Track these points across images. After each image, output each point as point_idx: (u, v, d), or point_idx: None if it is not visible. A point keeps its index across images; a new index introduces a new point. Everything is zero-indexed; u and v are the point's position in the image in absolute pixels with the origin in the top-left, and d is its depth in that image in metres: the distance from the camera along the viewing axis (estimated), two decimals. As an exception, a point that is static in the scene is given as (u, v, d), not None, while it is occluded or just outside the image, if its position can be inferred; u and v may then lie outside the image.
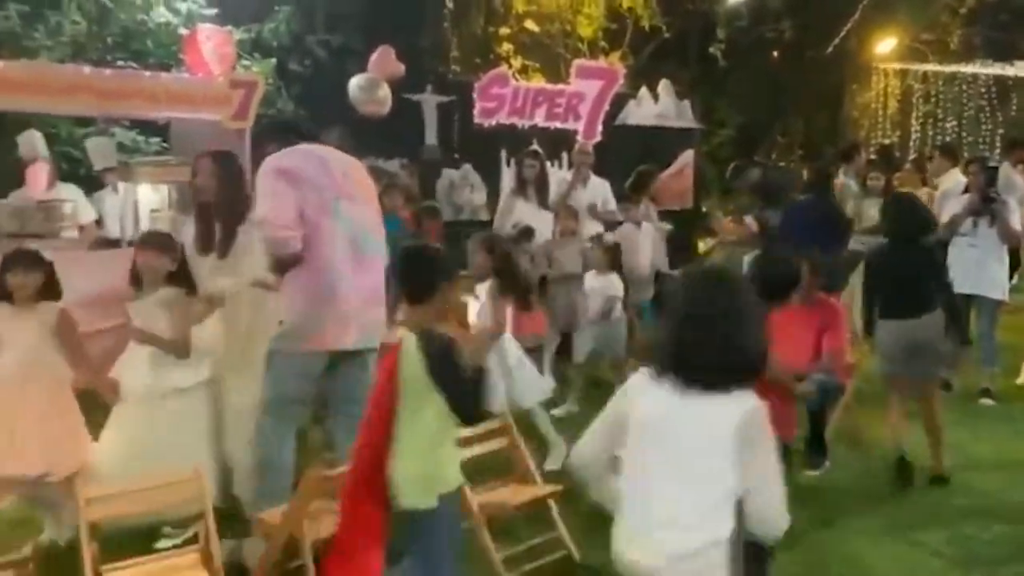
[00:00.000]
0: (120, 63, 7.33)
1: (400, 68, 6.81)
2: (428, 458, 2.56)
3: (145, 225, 6.28)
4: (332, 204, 3.49)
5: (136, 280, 3.78)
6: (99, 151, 6.77)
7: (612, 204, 6.93)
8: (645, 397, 2.24)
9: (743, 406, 2.14)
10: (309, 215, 3.44)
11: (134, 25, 7.71)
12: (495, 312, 4.35)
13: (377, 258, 3.68)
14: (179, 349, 3.67)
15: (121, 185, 6.35)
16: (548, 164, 7.04)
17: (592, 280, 5.86)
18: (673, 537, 2.12)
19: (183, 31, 7.40)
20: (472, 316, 4.30)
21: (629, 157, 7.90)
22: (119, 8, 7.62)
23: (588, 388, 5.74)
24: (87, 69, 6.14)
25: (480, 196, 8.30)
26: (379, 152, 7.98)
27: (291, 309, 3.53)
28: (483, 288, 4.46)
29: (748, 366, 2.19)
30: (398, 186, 6.16)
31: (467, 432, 3.59)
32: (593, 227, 6.63)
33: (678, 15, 12.43)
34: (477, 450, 3.58)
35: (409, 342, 2.51)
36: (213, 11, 7.94)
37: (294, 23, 8.38)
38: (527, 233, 6.18)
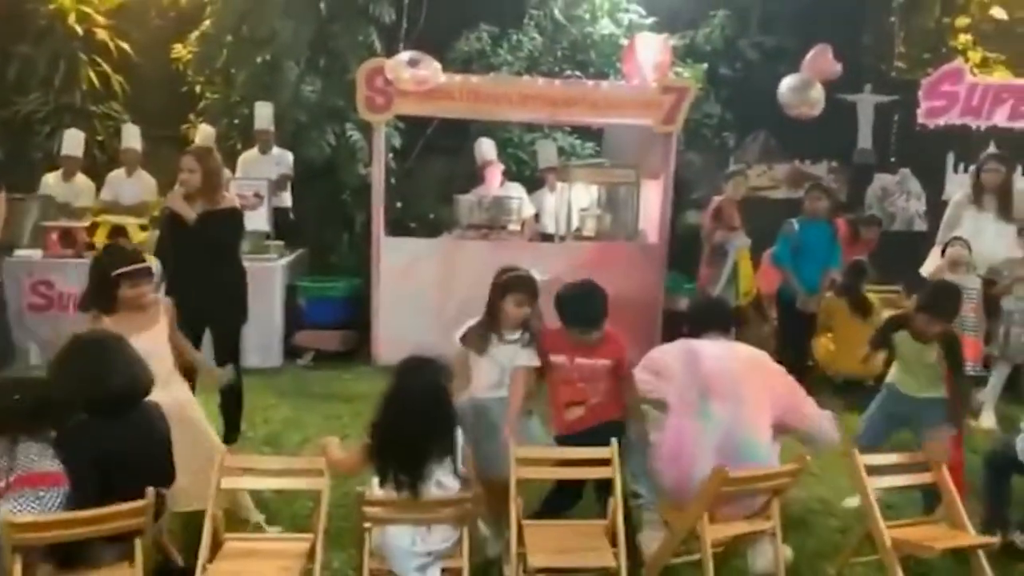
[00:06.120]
0: (567, 74, 8.05)
1: (836, 67, 6.43)
2: None
3: (576, 222, 6.87)
4: None
5: None
6: (544, 153, 7.57)
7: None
8: None
9: None
10: None
11: (581, 38, 8.40)
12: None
13: None
14: None
15: (558, 185, 6.99)
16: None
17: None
18: None
19: (623, 41, 7.87)
20: None
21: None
22: (571, 23, 8.37)
23: None
24: (540, 80, 6.86)
25: (918, 204, 7.60)
26: (806, 155, 7.71)
27: None
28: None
29: None
30: (822, 187, 5.87)
31: (881, 460, 3.31)
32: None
33: None
34: (898, 481, 3.27)
35: None
36: (651, 20, 8.31)
37: (728, 27, 8.41)
38: None
